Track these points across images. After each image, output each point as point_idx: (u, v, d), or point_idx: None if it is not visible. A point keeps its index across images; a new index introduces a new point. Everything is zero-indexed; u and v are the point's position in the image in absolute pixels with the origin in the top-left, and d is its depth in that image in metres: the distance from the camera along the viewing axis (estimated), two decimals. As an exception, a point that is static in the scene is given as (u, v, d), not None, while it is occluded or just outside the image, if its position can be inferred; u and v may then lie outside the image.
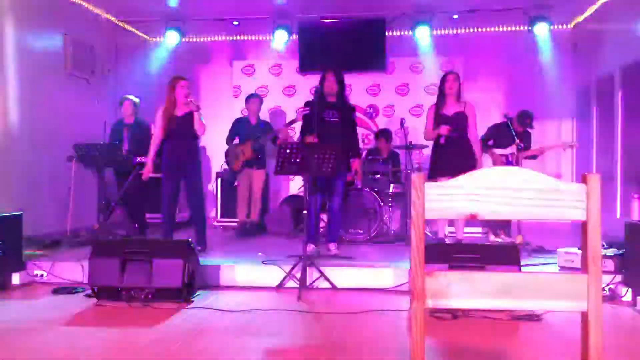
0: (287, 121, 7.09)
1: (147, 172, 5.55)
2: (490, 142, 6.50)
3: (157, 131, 5.52)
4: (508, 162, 6.43)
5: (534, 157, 6.56)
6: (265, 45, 8.81)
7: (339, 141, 5.23)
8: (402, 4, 7.79)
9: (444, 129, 5.53)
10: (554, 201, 1.56)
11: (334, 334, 3.48)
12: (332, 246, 5.55)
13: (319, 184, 5.45)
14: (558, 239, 6.00)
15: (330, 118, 5.44)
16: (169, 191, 5.46)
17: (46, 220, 6.41)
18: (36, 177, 6.44)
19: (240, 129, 7.09)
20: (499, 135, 6.43)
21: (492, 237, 6.51)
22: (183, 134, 5.38)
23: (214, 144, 7.95)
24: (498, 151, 6.41)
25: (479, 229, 6.94)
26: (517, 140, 6.14)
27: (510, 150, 6.37)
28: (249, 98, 7.27)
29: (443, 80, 5.69)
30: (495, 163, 6.40)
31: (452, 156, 5.50)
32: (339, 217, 5.69)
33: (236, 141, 7.08)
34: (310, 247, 5.28)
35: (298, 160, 4.68)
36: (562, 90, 8.34)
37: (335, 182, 5.47)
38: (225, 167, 7.39)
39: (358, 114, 8.51)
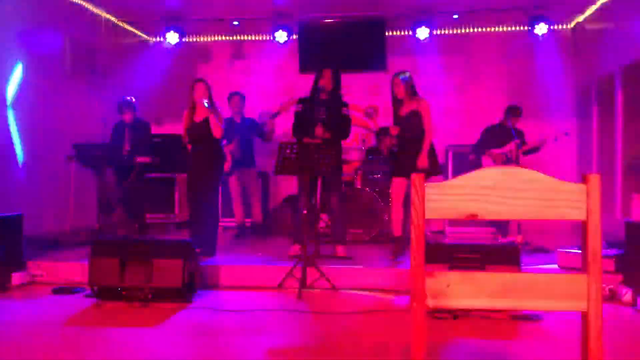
0: (272, 113, 6.99)
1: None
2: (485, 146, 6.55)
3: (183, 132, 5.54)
4: (508, 160, 6.45)
5: (535, 149, 6.51)
6: (265, 45, 8.81)
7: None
8: (402, 4, 7.79)
9: (392, 130, 5.38)
10: (554, 201, 1.56)
11: (334, 334, 3.48)
12: (340, 249, 5.41)
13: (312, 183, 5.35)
14: (558, 239, 6.00)
15: (319, 116, 5.37)
16: (191, 194, 5.44)
17: (46, 220, 6.41)
18: (36, 177, 6.44)
19: (226, 130, 6.69)
20: (495, 136, 6.52)
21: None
22: (201, 138, 5.37)
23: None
24: (497, 150, 6.42)
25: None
26: (517, 139, 6.20)
27: (509, 148, 6.40)
28: (230, 97, 6.98)
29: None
30: (495, 162, 6.41)
31: (406, 157, 5.32)
32: (341, 217, 5.51)
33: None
34: (296, 247, 5.26)
35: (298, 160, 4.67)
36: (562, 90, 8.33)
37: (330, 181, 5.37)
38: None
39: (357, 114, 8.52)
